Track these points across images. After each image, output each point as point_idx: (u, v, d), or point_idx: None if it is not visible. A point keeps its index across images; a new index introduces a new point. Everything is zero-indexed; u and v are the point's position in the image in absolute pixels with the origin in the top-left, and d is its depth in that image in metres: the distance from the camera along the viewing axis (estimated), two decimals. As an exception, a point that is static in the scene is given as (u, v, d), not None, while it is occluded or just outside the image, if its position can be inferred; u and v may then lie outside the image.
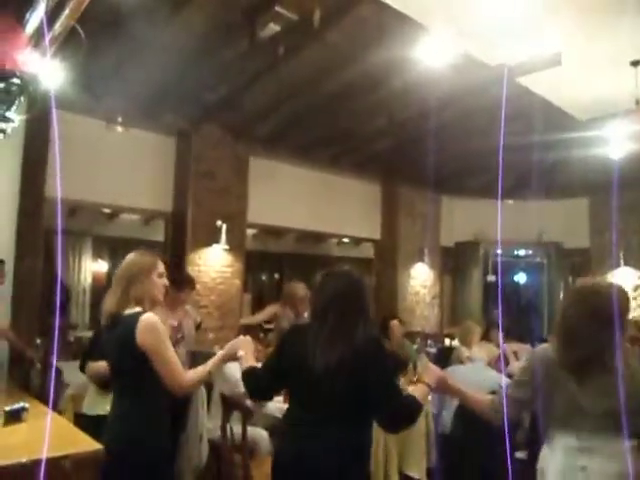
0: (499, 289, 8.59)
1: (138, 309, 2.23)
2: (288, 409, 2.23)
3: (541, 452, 2.03)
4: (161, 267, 2.36)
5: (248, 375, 2.26)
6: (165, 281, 2.38)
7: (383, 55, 4.70)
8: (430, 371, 2.26)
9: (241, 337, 2.45)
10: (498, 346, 4.62)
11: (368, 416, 2.09)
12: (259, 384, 2.27)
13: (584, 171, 7.56)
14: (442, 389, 2.24)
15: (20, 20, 2.63)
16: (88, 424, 2.66)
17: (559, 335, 1.95)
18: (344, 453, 2.00)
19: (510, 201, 8.90)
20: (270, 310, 5.52)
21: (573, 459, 1.85)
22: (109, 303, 2.26)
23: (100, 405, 3.12)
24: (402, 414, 2.07)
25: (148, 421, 2.19)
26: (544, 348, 2.03)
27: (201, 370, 2.31)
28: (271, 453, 3.72)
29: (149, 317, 2.18)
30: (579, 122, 5.93)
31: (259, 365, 2.31)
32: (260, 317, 5.68)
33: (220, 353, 2.40)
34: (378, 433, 3.12)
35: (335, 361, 2.02)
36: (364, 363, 2.04)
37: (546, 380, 1.92)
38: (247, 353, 2.32)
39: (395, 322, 6.06)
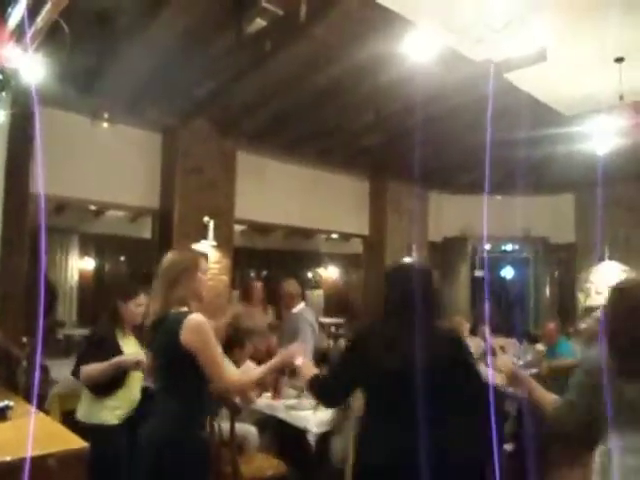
0: (486, 284, 8.64)
1: (184, 309, 2.24)
2: (366, 414, 2.13)
3: (597, 452, 1.98)
4: (204, 264, 2.35)
5: (319, 385, 2.17)
6: (208, 277, 2.39)
7: (370, 50, 4.69)
8: (506, 362, 2.24)
9: (295, 345, 2.44)
10: (485, 340, 4.66)
11: (452, 412, 2.02)
12: (333, 394, 2.20)
13: (570, 167, 7.62)
14: (515, 381, 2.18)
15: (2, 14, 2.60)
16: (85, 433, 2.51)
17: (616, 342, 1.91)
18: (431, 453, 1.92)
19: (498, 197, 8.94)
20: (230, 312, 5.49)
21: (631, 459, 1.83)
22: (153, 306, 2.27)
23: (96, 414, 3.09)
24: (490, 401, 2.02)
25: (186, 420, 2.17)
26: (591, 353, 2.05)
27: (249, 376, 2.36)
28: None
29: (196, 317, 2.18)
30: (565, 118, 5.96)
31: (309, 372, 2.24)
32: (226, 320, 5.65)
33: (271, 362, 2.34)
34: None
35: (412, 359, 1.94)
36: (446, 357, 1.99)
37: (598, 381, 1.89)
38: (305, 361, 2.28)
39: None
